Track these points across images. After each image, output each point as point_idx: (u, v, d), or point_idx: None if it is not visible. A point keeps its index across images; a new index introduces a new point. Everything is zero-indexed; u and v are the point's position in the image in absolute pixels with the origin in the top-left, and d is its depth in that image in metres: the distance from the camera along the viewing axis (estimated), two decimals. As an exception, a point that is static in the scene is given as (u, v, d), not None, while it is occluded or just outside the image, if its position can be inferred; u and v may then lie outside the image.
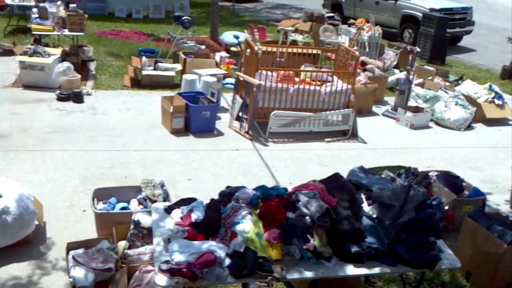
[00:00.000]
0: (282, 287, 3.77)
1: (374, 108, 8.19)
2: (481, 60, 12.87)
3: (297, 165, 5.91)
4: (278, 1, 20.73)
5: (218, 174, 5.49)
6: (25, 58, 7.68)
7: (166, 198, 4.27)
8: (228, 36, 11.04)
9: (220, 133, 6.64)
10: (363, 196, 3.19)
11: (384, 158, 6.25)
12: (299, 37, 10.87)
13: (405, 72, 8.39)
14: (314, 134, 6.82)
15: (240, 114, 6.89)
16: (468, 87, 8.59)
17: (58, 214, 4.42)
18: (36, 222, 4.05)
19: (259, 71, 6.61)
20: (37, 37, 9.06)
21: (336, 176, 3.33)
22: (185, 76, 7.46)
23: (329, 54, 10.10)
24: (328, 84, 6.97)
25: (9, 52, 9.47)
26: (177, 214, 3.20)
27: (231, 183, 3.52)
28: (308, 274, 2.92)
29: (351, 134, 6.91)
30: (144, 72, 8.25)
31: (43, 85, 7.68)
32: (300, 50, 7.88)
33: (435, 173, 4.98)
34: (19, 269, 3.72)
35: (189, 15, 14.39)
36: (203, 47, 10.50)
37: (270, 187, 3.19)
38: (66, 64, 7.86)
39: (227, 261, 2.81)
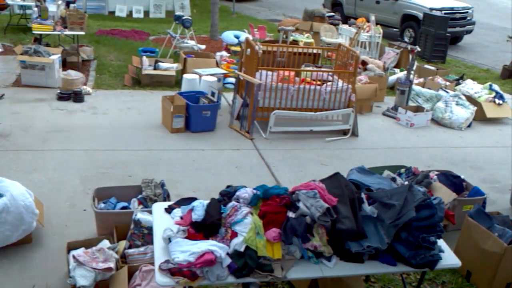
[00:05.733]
0: (283, 287, 3.77)
1: (375, 108, 8.19)
2: (481, 60, 12.87)
3: (298, 165, 5.91)
4: (279, 0, 20.73)
5: (219, 173, 5.49)
6: (25, 58, 7.68)
7: (166, 197, 4.27)
8: (228, 36, 11.04)
9: (221, 133, 6.64)
10: (363, 196, 3.19)
11: (385, 157, 6.25)
12: (300, 37, 10.86)
13: (405, 72, 8.39)
14: (314, 133, 6.82)
15: (241, 113, 6.89)
16: (468, 86, 8.59)
17: (58, 213, 4.42)
18: (35, 222, 4.05)
19: (260, 70, 6.62)
20: (37, 37, 9.07)
21: (336, 176, 3.33)
22: (185, 76, 7.46)
23: (329, 53, 10.10)
24: (329, 83, 6.97)
25: (9, 52, 9.48)
26: (177, 213, 3.20)
27: (232, 183, 3.52)
28: (308, 273, 2.92)
29: (351, 134, 6.91)
30: (144, 72, 8.25)
31: (44, 85, 7.69)
32: (300, 50, 7.88)
33: (436, 172, 4.98)
34: (19, 269, 3.72)
35: (190, 14, 14.41)
36: (203, 46, 10.50)
37: (271, 187, 3.19)
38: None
39: (227, 261, 2.81)
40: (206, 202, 3.14)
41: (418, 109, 7.75)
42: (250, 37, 8.41)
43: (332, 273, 2.93)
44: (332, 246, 2.99)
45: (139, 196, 4.25)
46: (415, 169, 4.87)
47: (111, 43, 11.03)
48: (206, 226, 2.97)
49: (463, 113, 7.61)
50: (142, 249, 3.64)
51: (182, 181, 5.23)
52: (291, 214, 3.01)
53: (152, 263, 3.29)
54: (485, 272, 3.86)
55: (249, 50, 6.90)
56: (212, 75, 7.41)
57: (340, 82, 6.94)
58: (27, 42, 9.59)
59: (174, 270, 2.72)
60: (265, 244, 2.90)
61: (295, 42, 9.88)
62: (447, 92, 8.30)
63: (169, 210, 3.27)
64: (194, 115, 6.46)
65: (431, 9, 13.03)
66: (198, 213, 3.02)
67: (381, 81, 8.54)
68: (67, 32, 8.69)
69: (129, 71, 8.63)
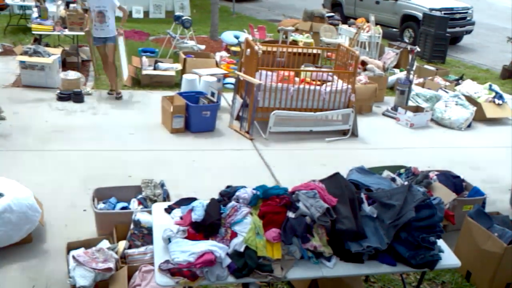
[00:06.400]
0: (282, 287, 3.77)
1: (374, 108, 8.19)
2: (481, 60, 12.87)
3: (297, 165, 5.91)
4: (279, 1, 20.73)
5: (218, 173, 5.49)
6: (25, 58, 7.68)
7: (166, 197, 4.27)
8: (228, 36, 11.05)
9: (220, 133, 6.64)
10: (363, 196, 3.19)
11: (384, 158, 6.25)
12: (300, 37, 10.86)
13: (405, 72, 8.39)
14: (314, 133, 6.82)
15: (240, 113, 6.89)
16: (468, 86, 8.60)
17: (58, 213, 4.42)
18: (37, 222, 4.05)
19: (259, 70, 6.62)
20: (37, 37, 9.07)
21: (336, 176, 3.33)
22: (185, 76, 7.46)
23: (329, 54, 10.10)
24: (328, 83, 6.98)
25: (9, 52, 9.48)
26: (177, 213, 3.20)
27: (231, 183, 3.51)
28: (308, 274, 2.92)
29: (351, 134, 6.91)
30: (144, 72, 8.25)
31: (43, 85, 7.69)
32: (300, 50, 7.88)
33: (435, 172, 4.98)
34: (20, 268, 3.72)
35: (190, 14, 14.41)
36: (203, 47, 10.50)
37: (270, 187, 3.19)
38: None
39: (227, 261, 2.81)
40: (206, 202, 3.14)
41: (417, 109, 7.75)
42: (250, 38, 8.42)
43: (332, 273, 2.92)
44: (332, 246, 2.99)
45: (139, 196, 4.25)
46: (415, 169, 4.87)
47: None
48: (206, 226, 2.97)
49: (463, 113, 7.61)
50: (142, 249, 3.64)
51: (182, 181, 5.22)
52: (291, 214, 3.01)
53: (152, 263, 3.29)
54: (485, 272, 3.86)
55: (249, 50, 6.90)
56: (211, 75, 7.41)
57: (340, 82, 6.94)
58: (27, 42, 9.58)
59: (174, 270, 2.72)
60: (265, 244, 2.90)
61: (294, 42, 9.88)
62: (447, 92, 8.30)
63: (169, 210, 3.27)
64: (194, 115, 6.46)
65: (431, 9, 13.03)
66: (198, 213, 3.02)
67: (381, 81, 8.54)
68: (67, 32, 8.69)
69: (129, 71, 8.63)
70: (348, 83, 6.94)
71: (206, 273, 2.75)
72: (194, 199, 3.34)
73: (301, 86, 6.79)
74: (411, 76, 7.91)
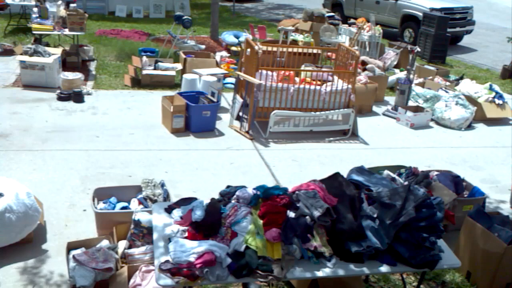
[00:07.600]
0: (282, 287, 3.77)
1: (375, 108, 8.19)
2: (481, 60, 12.87)
3: (298, 165, 5.91)
4: (279, 1, 20.73)
5: (219, 173, 5.49)
6: (25, 58, 7.68)
7: (166, 197, 4.27)
8: (228, 36, 11.05)
9: (221, 133, 6.64)
10: (363, 196, 3.19)
11: (384, 157, 6.25)
12: (300, 37, 10.86)
13: (405, 72, 8.39)
14: (314, 133, 6.82)
15: (241, 113, 6.89)
16: (468, 86, 8.59)
17: (58, 213, 4.43)
18: (37, 222, 4.05)
19: (260, 70, 6.62)
20: (37, 37, 9.08)
21: (336, 176, 3.33)
22: (185, 76, 7.46)
23: (329, 53, 10.10)
24: (329, 83, 6.98)
25: (9, 52, 9.48)
26: (177, 213, 3.20)
27: (232, 183, 3.52)
28: (308, 274, 2.92)
29: (351, 134, 6.91)
30: (144, 72, 8.25)
31: (44, 85, 7.69)
32: (300, 50, 7.87)
33: (436, 172, 4.98)
34: (20, 268, 3.72)
35: (190, 14, 14.41)
36: (203, 46, 10.50)
37: (271, 187, 3.19)
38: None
39: (228, 261, 2.81)
40: (206, 202, 3.14)
41: (418, 109, 7.75)
42: (250, 37, 8.42)
43: (332, 273, 2.92)
44: (332, 246, 2.99)
45: (139, 196, 4.25)
46: (415, 169, 4.86)
47: (111, 43, 11.03)
48: (206, 226, 2.97)
49: (463, 113, 7.61)
50: (142, 249, 3.64)
51: (182, 181, 5.23)
52: (291, 214, 3.01)
53: (152, 263, 3.29)
54: (485, 272, 3.86)
55: (249, 50, 6.90)
56: (212, 75, 7.41)
57: (340, 82, 6.94)
58: (27, 42, 9.59)
59: (174, 270, 2.72)
60: (265, 244, 2.90)
61: (295, 42, 9.88)
62: (447, 92, 8.30)
63: (169, 210, 3.27)
64: (194, 115, 6.46)
65: (431, 9, 13.02)
66: (198, 213, 3.02)
67: (381, 81, 8.54)
68: (67, 32, 8.69)
69: (129, 71, 8.63)
70: (348, 83, 6.94)
71: (206, 273, 2.75)
72: (194, 199, 3.34)
73: (301, 86, 6.79)
74: (411, 76, 7.91)
